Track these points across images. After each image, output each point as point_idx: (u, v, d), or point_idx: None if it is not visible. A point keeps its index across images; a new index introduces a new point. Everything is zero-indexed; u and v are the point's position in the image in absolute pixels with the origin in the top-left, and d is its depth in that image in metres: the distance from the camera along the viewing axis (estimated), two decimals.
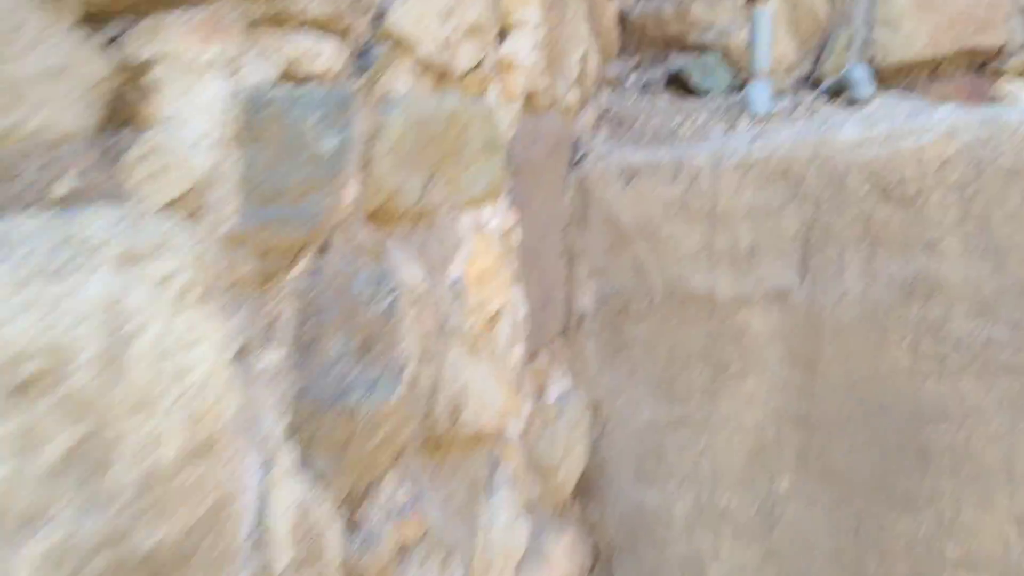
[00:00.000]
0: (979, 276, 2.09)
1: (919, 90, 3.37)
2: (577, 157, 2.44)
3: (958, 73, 3.35)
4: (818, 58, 3.47)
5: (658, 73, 3.28)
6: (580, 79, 2.57)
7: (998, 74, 3.29)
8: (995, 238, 2.09)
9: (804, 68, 3.51)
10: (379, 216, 1.30)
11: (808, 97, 2.87)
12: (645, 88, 3.27)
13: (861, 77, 2.58)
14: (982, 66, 3.32)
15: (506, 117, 1.88)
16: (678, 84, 3.11)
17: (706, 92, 3.05)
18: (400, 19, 1.29)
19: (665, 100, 3.00)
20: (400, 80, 1.34)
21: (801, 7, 3.44)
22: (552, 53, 2.18)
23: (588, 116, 2.63)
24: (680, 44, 3.60)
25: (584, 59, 2.60)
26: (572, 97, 2.39)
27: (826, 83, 3.00)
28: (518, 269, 1.97)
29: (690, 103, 2.96)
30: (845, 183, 2.20)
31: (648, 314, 2.38)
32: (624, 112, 2.76)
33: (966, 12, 3.23)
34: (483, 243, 1.68)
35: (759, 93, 2.60)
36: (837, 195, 2.21)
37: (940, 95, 3.35)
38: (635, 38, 3.66)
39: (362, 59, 1.23)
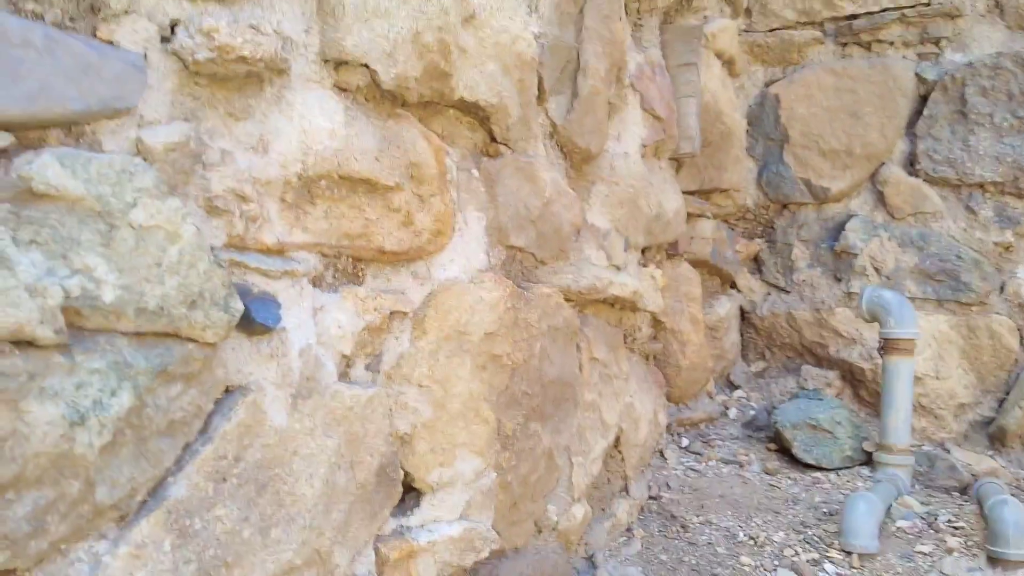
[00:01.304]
0: None
1: None
2: None
3: None
4: (1002, 401, 2.58)
5: (764, 412, 2.57)
6: (604, 473, 1.98)
7: None
8: None
9: (982, 410, 2.63)
10: None
11: (945, 511, 2.02)
12: (748, 430, 2.56)
13: (1013, 520, 1.73)
14: None
15: None
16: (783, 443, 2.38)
17: (816, 465, 2.30)
18: None
19: (754, 471, 2.28)
20: None
21: (981, 333, 2.60)
22: (531, 469, 1.63)
23: (621, 513, 2.01)
24: (817, 356, 2.86)
25: (618, 442, 2.01)
26: (576, 513, 1.80)
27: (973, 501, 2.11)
28: None
29: (785, 483, 2.22)
30: None
31: None
32: (683, 497, 2.09)
33: None
34: None
35: (861, 517, 1.83)
36: None
37: None
38: (762, 339, 2.98)
39: None
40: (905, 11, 2.69)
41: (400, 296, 1.35)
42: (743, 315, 3.00)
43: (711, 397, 2.70)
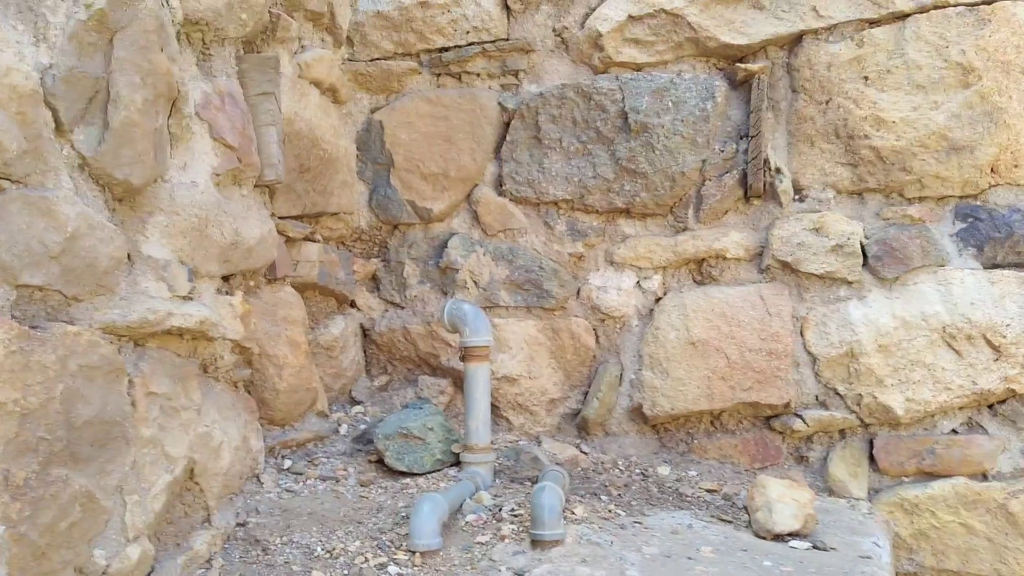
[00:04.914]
0: None
1: (696, 446, 2.80)
2: None
3: (743, 427, 2.80)
4: (586, 394, 2.91)
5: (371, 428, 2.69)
6: (181, 506, 1.96)
7: (786, 432, 2.74)
8: None
9: (570, 404, 2.96)
10: None
11: (511, 501, 2.25)
12: (358, 445, 2.66)
13: (548, 504, 1.97)
14: (770, 421, 2.77)
15: None
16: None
17: (408, 471, 2.45)
18: None
19: (350, 484, 2.37)
20: None
21: (564, 335, 2.92)
22: (59, 516, 1.56)
23: (199, 545, 1.99)
24: (432, 366, 3.05)
25: (193, 474, 2.00)
26: (131, 554, 1.75)
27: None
28: None
29: (376, 492, 2.34)
30: None
31: None
32: (271, 519, 2.12)
33: (744, 361, 2.71)
34: None
35: (424, 518, 1.98)
36: None
37: (720, 453, 2.78)
38: (384, 354, 3.11)
39: None
40: (486, 45, 2.95)
41: None
42: (365, 332, 3.11)
43: (325, 416, 2.77)
